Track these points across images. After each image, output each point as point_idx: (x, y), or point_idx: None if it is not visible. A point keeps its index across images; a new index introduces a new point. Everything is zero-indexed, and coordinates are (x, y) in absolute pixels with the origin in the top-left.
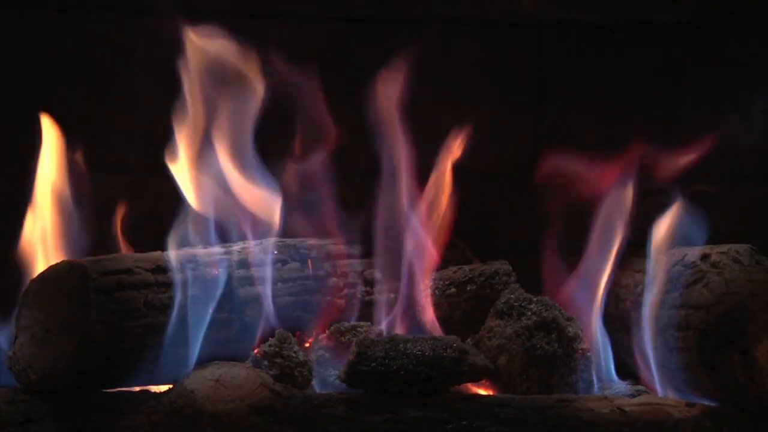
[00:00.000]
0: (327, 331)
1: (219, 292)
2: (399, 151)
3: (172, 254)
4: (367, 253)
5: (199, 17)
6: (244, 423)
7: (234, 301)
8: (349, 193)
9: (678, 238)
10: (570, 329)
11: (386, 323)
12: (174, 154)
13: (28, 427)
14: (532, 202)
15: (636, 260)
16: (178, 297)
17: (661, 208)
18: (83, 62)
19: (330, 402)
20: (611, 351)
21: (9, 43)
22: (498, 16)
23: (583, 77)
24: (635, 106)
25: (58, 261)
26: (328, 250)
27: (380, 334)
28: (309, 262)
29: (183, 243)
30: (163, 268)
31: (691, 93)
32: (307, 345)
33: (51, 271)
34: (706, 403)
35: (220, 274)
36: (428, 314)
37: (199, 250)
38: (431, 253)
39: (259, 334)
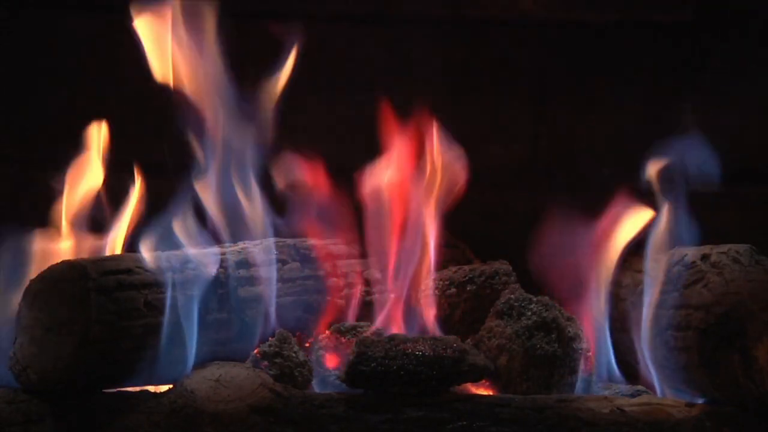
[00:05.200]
0: (327, 331)
1: (218, 291)
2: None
3: (169, 253)
4: (367, 253)
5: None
6: (244, 423)
7: (234, 301)
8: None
9: (672, 239)
10: (570, 329)
11: (382, 323)
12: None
13: (28, 428)
14: (532, 202)
15: (636, 260)
16: (169, 296)
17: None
18: (81, 61)
19: (330, 402)
20: (612, 351)
21: (7, 42)
22: (498, 16)
23: (582, 77)
24: (635, 106)
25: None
26: (328, 250)
27: (380, 334)
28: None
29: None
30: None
31: (691, 93)
32: (307, 345)
33: (51, 271)
34: (706, 403)
35: (219, 273)
36: (428, 314)
37: (198, 250)
38: (432, 253)
39: (259, 334)
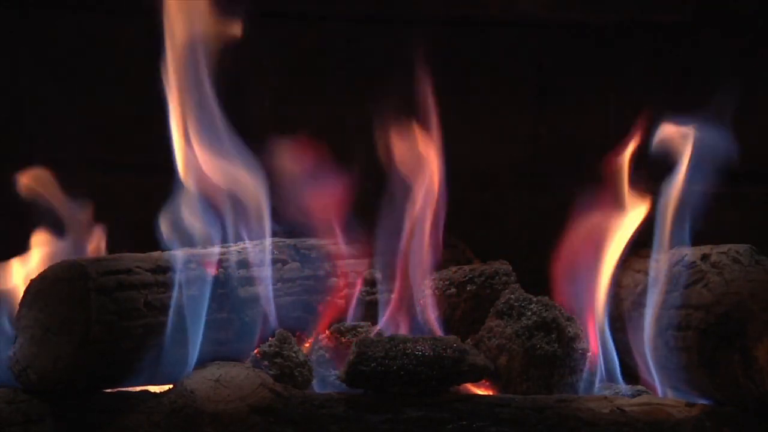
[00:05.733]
0: (327, 331)
1: (217, 291)
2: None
3: (170, 253)
4: (367, 254)
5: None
6: (244, 423)
7: (234, 301)
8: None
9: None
10: (570, 329)
11: (384, 323)
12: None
13: (28, 428)
14: (532, 202)
15: (636, 260)
16: (174, 296)
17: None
18: (82, 62)
19: (330, 402)
20: (616, 352)
21: (8, 43)
22: (498, 16)
23: (583, 77)
24: (635, 106)
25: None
26: (328, 250)
27: (380, 334)
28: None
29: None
30: (163, 268)
31: (691, 93)
32: (307, 345)
33: (51, 271)
34: (706, 403)
35: (219, 273)
36: (428, 314)
37: (198, 250)
38: (431, 253)
39: (259, 334)
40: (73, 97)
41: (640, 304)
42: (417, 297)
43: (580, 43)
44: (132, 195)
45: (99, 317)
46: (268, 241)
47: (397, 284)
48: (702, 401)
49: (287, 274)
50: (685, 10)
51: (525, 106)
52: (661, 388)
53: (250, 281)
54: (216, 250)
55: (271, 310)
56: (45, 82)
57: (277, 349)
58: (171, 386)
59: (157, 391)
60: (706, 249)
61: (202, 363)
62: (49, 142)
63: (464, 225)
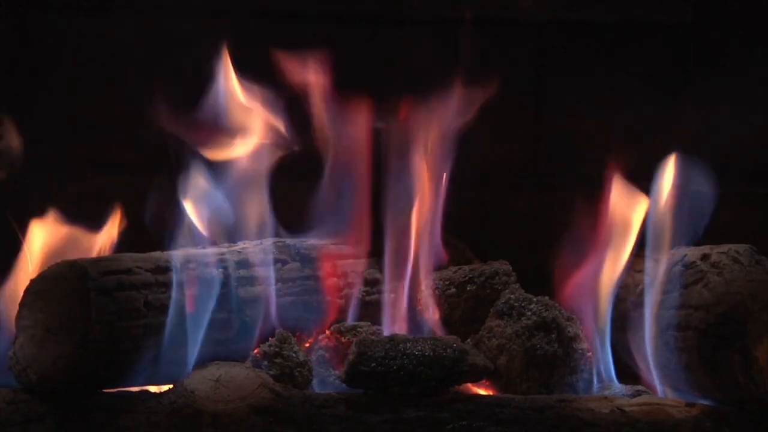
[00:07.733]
0: (327, 331)
1: (218, 291)
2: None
3: (172, 253)
4: (368, 253)
5: (199, 16)
6: (244, 423)
7: (234, 301)
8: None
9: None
10: (570, 329)
11: (386, 324)
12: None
13: (28, 427)
14: (532, 202)
15: (636, 260)
16: (174, 296)
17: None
18: (81, 62)
19: (330, 402)
20: (611, 351)
21: (7, 43)
22: (498, 16)
23: (583, 77)
24: (635, 106)
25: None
26: (328, 250)
27: (379, 334)
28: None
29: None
30: (163, 268)
31: (691, 93)
32: (307, 345)
33: (51, 271)
34: (706, 403)
35: (220, 273)
36: (428, 314)
37: (198, 250)
38: (436, 254)
39: (258, 334)
40: (65, 96)
41: (640, 304)
42: (417, 297)
43: (580, 43)
44: (128, 195)
45: (99, 317)
46: (268, 241)
47: (401, 284)
48: (702, 401)
49: (287, 274)
50: (685, 10)
51: (525, 106)
52: (661, 388)
53: (250, 281)
54: (216, 249)
55: (271, 310)
56: (38, 81)
57: (277, 349)
58: (171, 386)
59: (157, 391)
60: (706, 249)
61: (202, 363)
62: (41, 142)
63: (464, 225)
